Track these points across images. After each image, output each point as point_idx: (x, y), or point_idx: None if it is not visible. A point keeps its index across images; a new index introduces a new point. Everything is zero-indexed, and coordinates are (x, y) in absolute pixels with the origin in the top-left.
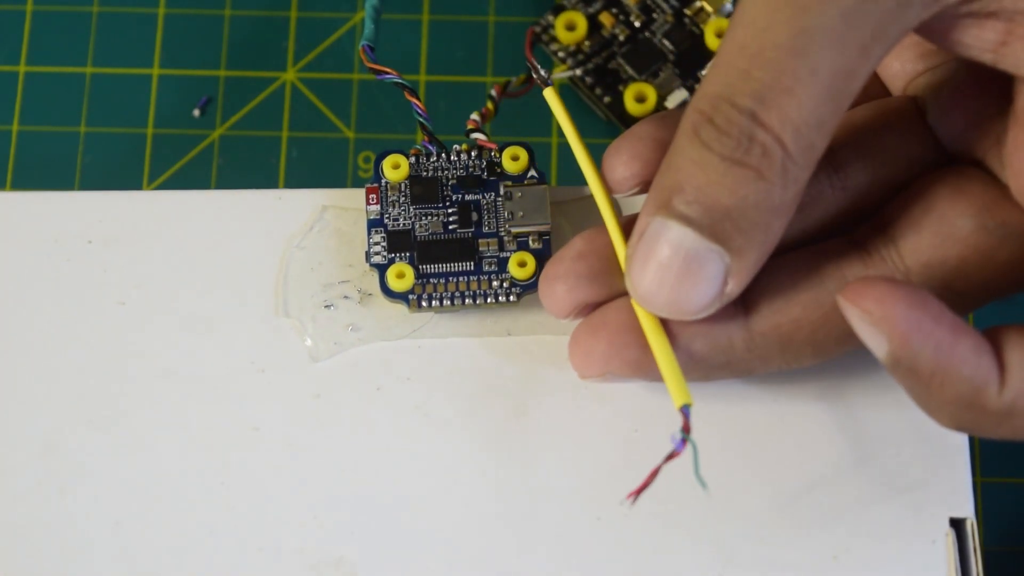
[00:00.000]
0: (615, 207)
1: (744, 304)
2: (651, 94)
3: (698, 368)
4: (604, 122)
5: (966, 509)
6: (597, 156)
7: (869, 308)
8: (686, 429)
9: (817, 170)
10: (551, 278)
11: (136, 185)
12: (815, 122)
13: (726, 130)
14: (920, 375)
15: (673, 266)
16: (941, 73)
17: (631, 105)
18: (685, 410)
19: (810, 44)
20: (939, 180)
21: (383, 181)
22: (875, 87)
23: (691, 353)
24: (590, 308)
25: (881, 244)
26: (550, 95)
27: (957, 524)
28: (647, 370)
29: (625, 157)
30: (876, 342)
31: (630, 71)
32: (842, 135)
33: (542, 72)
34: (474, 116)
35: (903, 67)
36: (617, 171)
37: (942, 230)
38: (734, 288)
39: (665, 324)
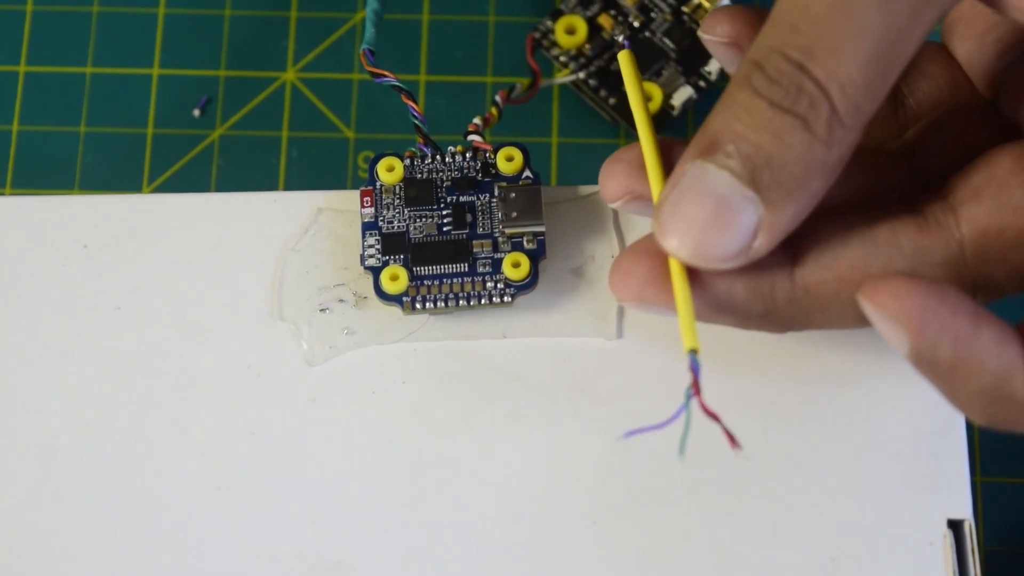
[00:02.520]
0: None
1: (792, 255)
2: (656, 93)
3: (736, 313)
4: (610, 124)
5: (964, 510)
6: (597, 159)
7: (884, 303)
8: (695, 386)
9: (886, 137)
10: (614, 158)
11: (136, 185)
12: (862, 82)
13: (776, 78)
14: (941, 369)
15: (704, 211)
16: (1015, 53)
17: None
18: (693, 360)
19: (856, 4)
20: (1004, 152)
21: (377, 184)
22: (952, 70)
23: (731, 295)
24: (639, 203)
25: (939, 210)
26: (624, 58)
27: (955, 525)
28: None
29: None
30: (897, 338)
31: None
32: (914, 110)
33: (619, 39)
34: (476, 120)
35: (976, 47)
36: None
37: (1001, 198)
38: (763, 243)
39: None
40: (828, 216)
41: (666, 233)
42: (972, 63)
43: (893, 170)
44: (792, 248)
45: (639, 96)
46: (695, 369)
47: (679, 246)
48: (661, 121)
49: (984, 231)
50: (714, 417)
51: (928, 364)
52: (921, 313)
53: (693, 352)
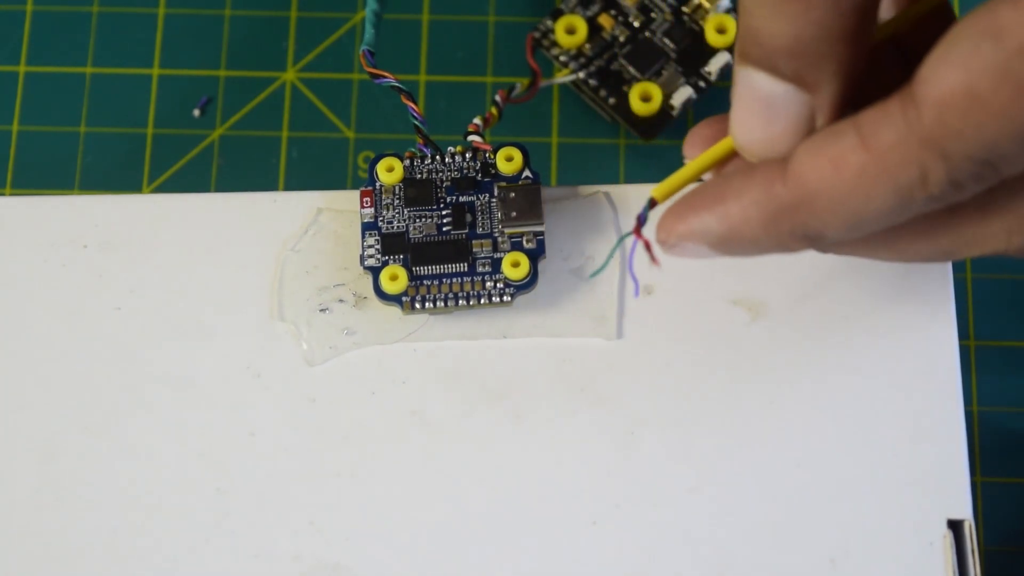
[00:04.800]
0: None
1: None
2: (656, 93)
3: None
4: (610, 124)
5: (964, 511)
6: (597, 159)
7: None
8: (636, 230)
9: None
10: (702, 124)
11: (136, 185)
12: None
13: None
14: (729, 240)
15: (758, 111)
16: None
17: (637, 105)
18: (645, 208)
19: None
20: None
21: (377, 184)
22: None
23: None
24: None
25: (907, 85)
26: None
27: (955, 526)
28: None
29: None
30: (702, 252)
31: (633, 71)
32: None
33: None
34: (476, 120)
35: None
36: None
37: (949, 57)
38: (823, 124)
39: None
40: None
41: (737, 138)
42: None
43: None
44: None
45: None
46: (642, 216)
47: (749, 149)
48: (660, 121)
49: (938, 96)
50: (653, 259)
51: (718, 243)
52: (673, 229)
53: (652, 200)
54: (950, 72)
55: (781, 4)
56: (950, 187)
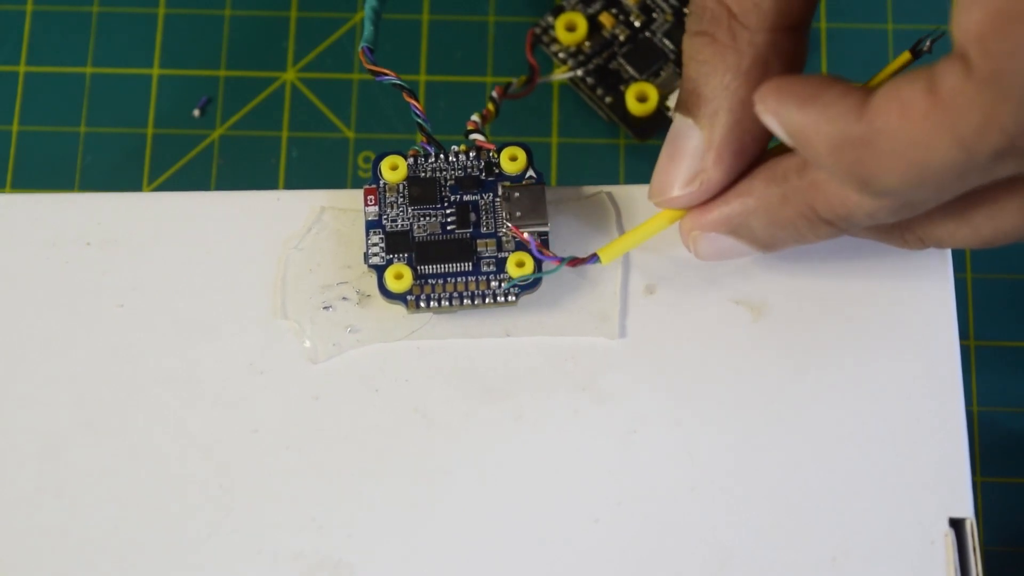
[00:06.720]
0: None
1: None
2: (653, 93)
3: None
4: (606, 123)
5: (965, 509)
6: (597, 159)
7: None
8: (574, 262)
9: None
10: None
11: (136, 185)
12: None
13: (693, 10)
14: (797, 137)
15: (665, 151)
16: None
17: (633, 105)
18: (592, 257)
19: None
20: None
21: (381, 182)
22: None
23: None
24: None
25: None
26: None
27: (956, 524)
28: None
29: None
30: (775, 128)
31: (631, 71)
32: None
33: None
34: (474, 117)
35: None
36: None
37: None
38: (709, 163)
39: None
40: None
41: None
42: None
43: None
44: None
45: None
46: (590, 261)
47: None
48: (656, 122)
49: (975, 32)
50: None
51: (795, 138)
52: (770, 96)
53: (597, 256)
54: (974, 7)
55: (694, 40)
56: (1018, 129)
